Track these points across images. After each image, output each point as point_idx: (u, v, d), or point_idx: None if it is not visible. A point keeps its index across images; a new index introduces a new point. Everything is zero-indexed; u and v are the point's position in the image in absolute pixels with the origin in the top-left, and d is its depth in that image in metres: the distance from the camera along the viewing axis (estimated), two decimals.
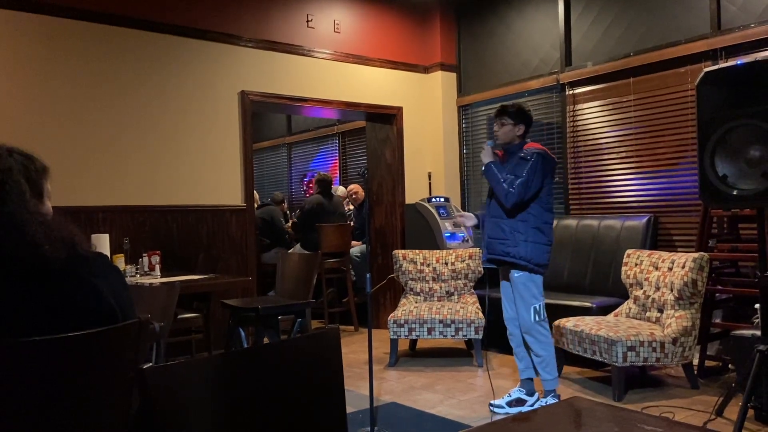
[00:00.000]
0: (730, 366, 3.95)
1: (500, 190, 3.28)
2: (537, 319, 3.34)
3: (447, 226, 5.39)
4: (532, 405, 3.45)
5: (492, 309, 4.69)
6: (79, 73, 4.31)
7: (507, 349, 4.84)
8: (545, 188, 3.31)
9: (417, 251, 5.06)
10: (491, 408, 3.47)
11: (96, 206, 4.31)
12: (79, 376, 1.31)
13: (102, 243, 3.69)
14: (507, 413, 3.39)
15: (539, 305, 3.36)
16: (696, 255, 3.69)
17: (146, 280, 3.65)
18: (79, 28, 4.31)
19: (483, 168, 3.41)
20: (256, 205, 6.08)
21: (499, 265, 3.44)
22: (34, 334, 1.23)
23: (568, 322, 3.93)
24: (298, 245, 6.24)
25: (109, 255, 3.59)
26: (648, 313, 3.91)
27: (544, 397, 3.45)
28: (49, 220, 1.36)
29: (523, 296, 3.35)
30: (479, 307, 4.60)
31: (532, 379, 3.51)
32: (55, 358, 1.26)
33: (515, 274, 3.35)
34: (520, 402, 3.46)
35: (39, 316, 1.27)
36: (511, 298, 3.45)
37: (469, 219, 3.63)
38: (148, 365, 1.07)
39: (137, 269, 3.93)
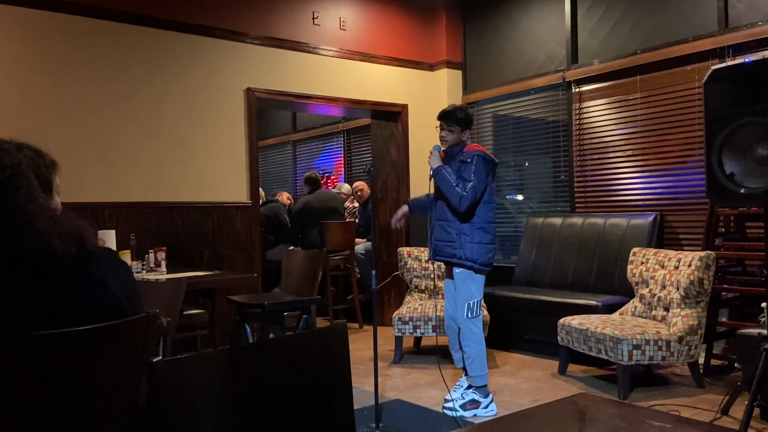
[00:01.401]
0: (736, 365, 3.94)
1: (454, 195, 3.32)
2: (470, 315, 3.42)
3: None
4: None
5: (494, 307, 4.70)
6: (85, 70, 4.33)
7: (511, 347, 4.85)
8: (488, 188, 3.40)
9: (422, 249, 5.06)
10: (447, 403, 3.48)
11: (102, 202, 4.32)
12: (88, 369, 1.32)
13: (108, 239, 3.71)
14: (458, 402, 3.44)
15: (473, 302, 3.42)
16: (702, 253, 3.68)
17: (152, 276, 3.66)
18: (85, 25, 4.32)
19: (432, 172, 3.43)
20: (261, 202, 6.10)
21: (446, 265, 3.56)
22: (43, 328, 1.24)
23: (574, 321, 3.92)
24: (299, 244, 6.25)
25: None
26: (654, 312, 3.90)
27: (468, 388, 3.47)
28: (59, 215, 1.37)
29: (461, 292, 3.43)
30: (484, 305, 4.60)
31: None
32: (63, 351, 1.26)
33: (456, 270, 3.45)
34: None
35: (48, 310, 1.28)
36: (451, 293, 3.55)
37: (402, 209, 3.79)
38: (156, 359, 1.08)
39: (143, 265, 3.95)
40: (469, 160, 3.34)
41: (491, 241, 3.43)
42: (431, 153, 3.47)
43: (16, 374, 1.22)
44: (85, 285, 1.33)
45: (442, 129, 3.46)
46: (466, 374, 3.50)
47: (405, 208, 3.79)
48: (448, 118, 3.42)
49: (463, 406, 3.41)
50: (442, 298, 4.83)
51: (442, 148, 3.50)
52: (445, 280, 3.65)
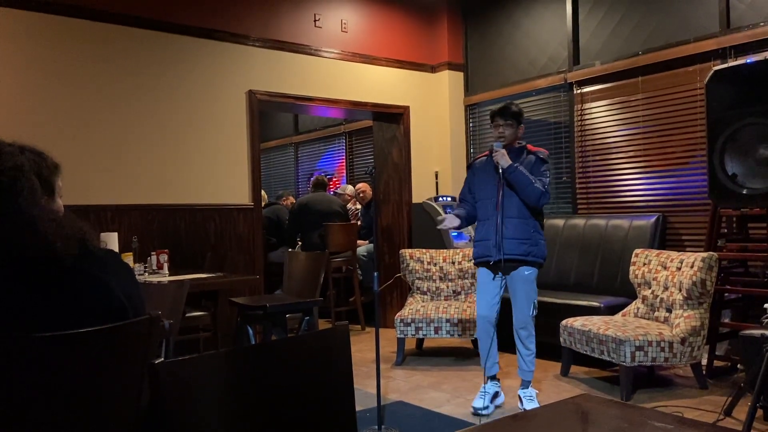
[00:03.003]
0: (738, 366, 3.93)
1: (533, 192, 3.31)
2: (534, 313, 3.43)
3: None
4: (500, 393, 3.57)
5: (501, 308, 4.69)
6: (87, 73, 4.34)
7: (514, 349, 4.84)
8: None
9: (424, 250, 5.06)
10: (478, 412, 3.43)
11: (105, 205, 4.33)
12: (90, 371, 1.32)
13: (111, 241, 3.71)
14: (492, 410, 3.47)
15: (536, 300, 3.46)
16: (705, 254, 3.67)
17: (154, 279, 3.67)
18: (87, 28, 4.34)
19: (504, 171, 3.33)
20: (263, 204, 6.10)
21: (510, 264, 3.40)
22: (45, 330, 1.24)
23: (576, 322, 3.92)
24: (298, 247, 6.24)
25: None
26: (656, 313, 3.89)
27: (526, 388, 3.51)
28: (61, 218, 1.37)
29: (528, 292, 3.42)
30: None
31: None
32: (66, 353, 1.27)
33: (526, 271, 3.41)
34: (497, 395, 3.56)
35: (51, 312, 1.28)
36: (493, 296, 3.46)
37: (453, 220, 3.53)
38: (159, 360, 1.08)
39: (146, 267, 3.95)
40: (544, 158, 3.43)
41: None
42: (496, 151, 3.36)
43: (19, 376, 1.23)
44: (87, 287, 1.33)
45: (498, 126, 3.43)
46: (492, 379, 3.54)
47: (456, 221, 3.51)
48: (505, 112, 3.41)
49: (492, 401, 3.50)
50: (445, 300, 4.85)
51: (503, 144, 3.42)
52: (485, 282, 3.48)
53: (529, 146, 3.51)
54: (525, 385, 3.52)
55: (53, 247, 1.28)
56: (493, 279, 3.46)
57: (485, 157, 3.56)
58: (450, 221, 3.53)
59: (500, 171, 3.35)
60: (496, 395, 3.55)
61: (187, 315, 3.86)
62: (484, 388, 3.53)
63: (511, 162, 3.34)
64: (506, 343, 4.52)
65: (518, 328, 3.46)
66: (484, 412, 3.41)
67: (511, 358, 4.58)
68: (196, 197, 4.75)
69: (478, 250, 3.52)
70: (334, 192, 7.20)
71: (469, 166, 3.69)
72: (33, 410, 1.24)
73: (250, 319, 4.03)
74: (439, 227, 3.65)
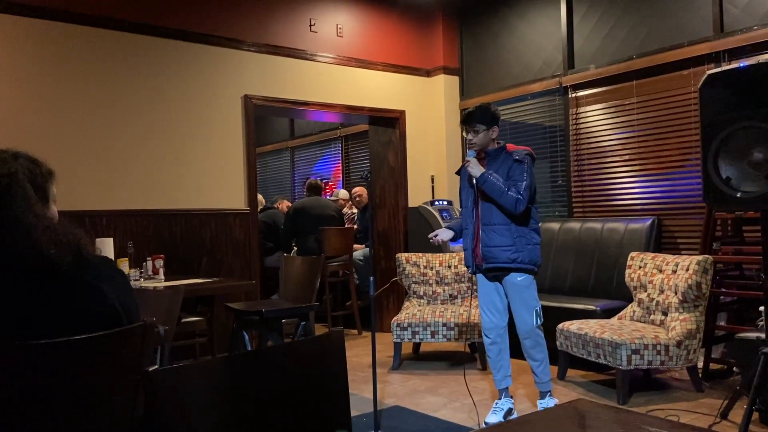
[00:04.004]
0: (734, 369, 3.94)
1: (508, 200, 3.17)
2: (538, 322, 3.31)
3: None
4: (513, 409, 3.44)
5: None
6: (82, 78, 4.33)
7: (510, 353, 4.82)
8: (535, 188, 3.31)
9: (420, 254, 5.06)
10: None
11: (100, 210, 4.32)
12: (85, 378, 1.31)
13: (106, 247, 3.70)
14: None
15: (539, 308, 3.33)
16: (700, 257, 3.68)
17: (150, 284, 3.66)
18: (81, 33, 4.33)
19: (476, 180, 3.26)
20: (260, 208, 6.09)
21: (498, 272, 3.33)
22: (40, 337, 1.23)
23: (572, 325, 3.92)
24: (294, 251, 6.24)
25: (113, 259, 3.60)
26: (652, 316, 3.90)
27: (542, 399, 3.41)
28: (55, 224, 1.37)
29: (526, 300, 3.29)
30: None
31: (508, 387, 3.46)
32: (60, 360, 1.26)
33: (518, 277, 3.28)
34: (510, 412, 3.40)
35: (45, 319, 1.28)
36: (495, 305, 3.36)
37: (445, 233, 3.48)
38: (153, 368, 1.08)
39: (141, 273, 3.94)
40: (522, 159, 3.23)
41: (539, 242, 3.33)
42: (468, 161, 3.29)
43: (13, 383, 1.22)
44: (81, 294, 1.33)
45: (467, 132, 3.35)
46: (505, 394, 3.42)
47: (450, 234, 3.46)
48: (469, 120, 3.30)
49: (505, 417, 3.36)
50: (441, 304, 4.84)
51: (476, 151, 3.34)
52: (483, 290, 3.39)
53: (510, 146, 3.35)
54: (542, 395, 3.39)
55: (47, 254, 1.28)
56: (487, 288, 3.37)
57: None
58: (443, 234, 3.47)
59: (474, 181, 3.28)
60: (509, 412, 3.39)
61: (183, 320, 3.85)
62: (497, 403, 3.42)
63: (482, 171, 3.23)
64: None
65: (522, 339, 3.34)
66: None
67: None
68: (192, 202, 4.74)
69: (464, 260, 3.48)
70: (328, 197, 7.20)
71: (457, 172, 3.60)
72: (27, 417, 1.24)
73: (246, 325, 4.02)
74: (432, 241, 3.56)
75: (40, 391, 1.25)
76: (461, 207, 3.48)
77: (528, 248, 3.25)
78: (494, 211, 3.26)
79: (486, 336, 3.41)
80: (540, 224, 3.45)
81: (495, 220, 3.27)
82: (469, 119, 3.30)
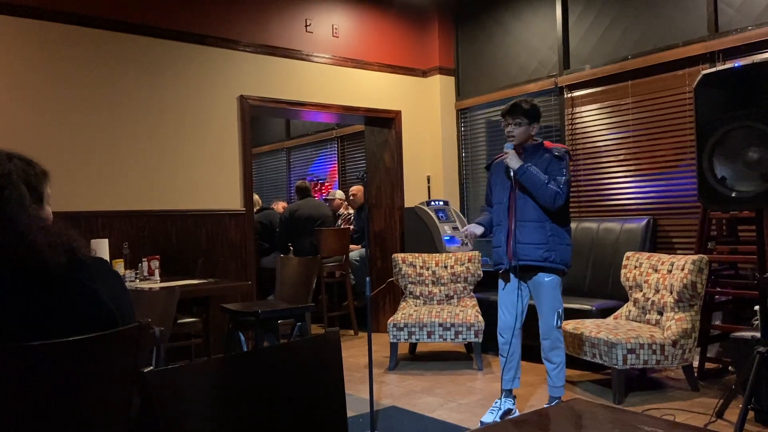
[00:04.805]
0: (730, 368, 3.95)
1: (546, 193, 3.11)
2: (559, 324, 3.26)
3: (446, 230, 5.39)
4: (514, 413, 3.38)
5: (489, 313, 4.69)
6: (78, 79, 4.32)
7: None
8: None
9: (416, 255, 5.06)
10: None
11: (95, 211, 4.31)
12: (79, 380, 1.31)
13: (102, 248, 3.69)
14: None
15: (562, 310, 3.27)
16: (695, 257, 3.69)
17: (146, 285, 3.65)
18: (77, 34, 4.32)
19: (515, 172, 3.18)
20: (256, 208, 6.09)
21: (528, 271, 3.25)
22: (34, 338, 1.23)
23: (568, 325, 3.93)
24: (290, 252, 6.24)
25: (108, 260, 3.59)
26: (648, 316, 3.91)
27: (550, 404, 3.36)
28: (49, 225, 1.36)
29: (550, 300, 3.24)
30: (479, 310, 4.60)
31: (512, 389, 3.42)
32: (55, 362, 1.26)
33: (546, 278, 3.22)
34: (508, 413, 3.36)
35: (39, 320, 1.27)
36: (514, 304, 3.30)
37: (477, 229, 3.40)
38: (148, 369, 1.07)
39: (137, 274, 3.93)
40: (561, 156, 3.19)
41: (571, 243, 3.29)
42: (507, 153, 3.23)
43: (7, 385, 1.22)
44: (75, 295, 1.32)
45: (508, 125, 3.24)
46: (508, 395, 3.37)
47: (480, 229, 3.39)
48: (512, 111, 3.23)
49: (502, 417, 3.31)
50: (438, 304, 4.84)
51: (514, 144, 3.26)
52: (506, 289, 3.34)
53: (547, 143, 3.30)
54: (551, 400, 3.34)
55: (41, 256, 1.27)
56: (510, 287, 3.31)
57: (500, 159, 3.36)
58: (474, 229, 3.39)
59: (511, 173, 3.20)
60: (508, 412, 3.34)
61: (179, 321, 3.84)
62: (496, 403, 3.39)
63: (522, 163, 3.17)
64: (489, 346, 4.51)
65: (542, 339, 3.29)
66: None
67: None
68: (188, 203, 4.73)
69: (494, 257, 3.38)
70: (324, 198, 7.21)
71: (487, 167, 3.53)
72: (19, 421, 1.23)
73: (241, 326, 4.01)
74: (462, 239, 3.47)
75: (35, 393, 1.25)
76: (494, 203, 3.39)
77: (560, 248, 3.20)
78: (530, 207, 3.20)
79: (500, 335, 3.39)
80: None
81: (530, 217, 3.20)
82: (513, 110, 3.24)
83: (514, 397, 3.43)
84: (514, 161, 3.19)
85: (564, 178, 3.15)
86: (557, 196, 3.12)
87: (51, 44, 4.22)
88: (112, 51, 4.45)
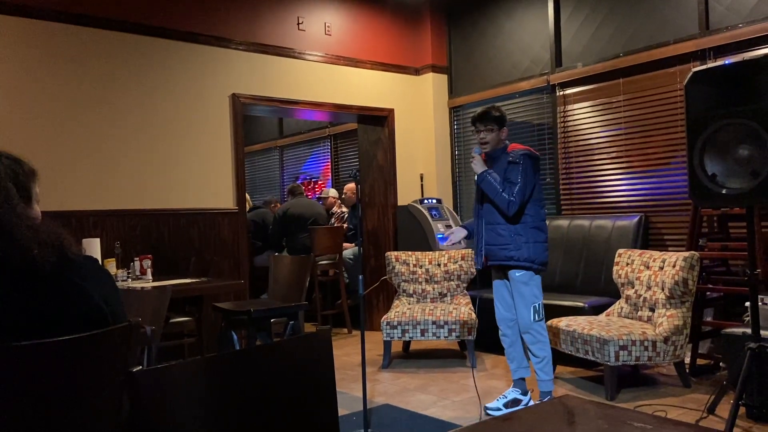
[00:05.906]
0: (721, 364, 3.97)
1: (501, 200, 3.27)
2: (536, 318, 3.36)
3: (439, 228, 5.39)
4: (526, 404, 3.45)
5: (482, 310, 4.70)
6: (69, 77, 4.29)
7: (500, 350, 4.86)
8: (537, 186, 3.36)
9: (409, 253, 5.06)
10: (487, 411, 3.45)
11: (87, 210, 4.29)
12: (70, 379, 1.30)
13: (93, 247, 3.67)
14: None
15: (538, 304, 3.38)
16: (686, 254, 3.71)
17: (138, 284, 3.63)
18: (68, 32, 4.29)
19: (477, 178, 3.38)
20: (248, 207, 6.07)
21: (503, 269, 3.44)
22: (24, 338, 1.22)
23: (561, 322, 3.94)
24: (284, 251, 6.23)
25: (100, 259, 3.58)
26: (640, 312, 3.92)
27: (541, 398, 3.42)
28: (38, 224, 1.35)
29: (524, 295, 3.36)
30: (472, 308, 4.61)
31: (524, 379, 3.52)
32: (45, 361, 1.25)
33: (516, 273, 3.36)
34: (516, 402, 3.46)
35: (29, 320, 1.26)
36: (505, 298, 3.49)
37: (460, 232, 3.61)
38: (137, 368, 1.07)
39: (129, 273, 3.91)
40: (517, 160, 3.29)
41: (546, 240, 3.39)
42: (473, 157, 3.39)
43: None
44: (65, 294, 1.31)
45: (479, 131, 3.39)
46: (516, 384, 3.51)
47: (464, 232, 3.60)
48: (484, 118, 3.36)
49: (506, 405, 3.44)
50: (431, 302, 4.85)
51: (483, 151, 3.42)
52: (494, 283, 3.54)
53: (511, 146, 3.42)
54: (542, 396, 3.41)
55: (30, 255, 1.26)
56: (499, 281, 3.50)
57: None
58: (458, 234, 3.58)
59: (475, 178, 3.41)
60: (515, 402, 3.46)
61: (171, 321, 3.83)
62: (505, 393, 3.53)
63: (484, 169, 3.35)
64: (483, 343, 4.54)
65: (522, 333, 3.43)
66: (492, 412, 3.39)
67: (497, 359, 4.59)
68: (180, 202, 4.71)
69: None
70: (317, 197, 7.19)
71: None
72: (11, 418, 1.22)
73: (234, 325, 4.00)
74: (446, 244, 3.67)
75: (25, 392, 1.24)
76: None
77: (526, 246, 3.31)
78: (494, 210, 3.36)
79: (499, 328, 3.56)
80: (546, 221, 3.46)
81: (495, 219, 3.37)
82: (485, 117, 3.37)
83: (525, 388, 3.52)
84: (478, 166, 3.38)
85: (518, 185, 3.25)
86: (510, 204, 3.26)
87: (39, 42, 4.19)
88: (102, 49, 4.43)
